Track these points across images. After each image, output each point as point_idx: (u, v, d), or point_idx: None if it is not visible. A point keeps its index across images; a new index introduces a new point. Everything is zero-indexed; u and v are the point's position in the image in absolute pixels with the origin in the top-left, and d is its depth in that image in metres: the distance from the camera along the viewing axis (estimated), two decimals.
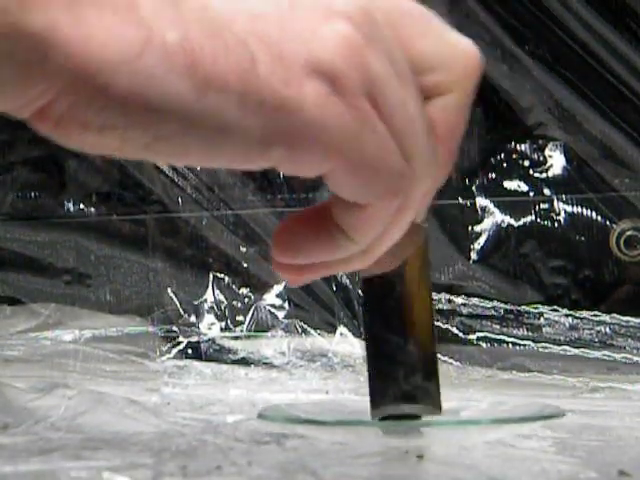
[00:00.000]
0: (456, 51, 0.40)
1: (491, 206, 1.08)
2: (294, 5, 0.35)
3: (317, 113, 0.34)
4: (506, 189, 1.08)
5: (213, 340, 1.05)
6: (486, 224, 1.08)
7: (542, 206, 1.07)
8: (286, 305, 1.08)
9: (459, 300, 1.06)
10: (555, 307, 1.05)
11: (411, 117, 0.37)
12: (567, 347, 1.02)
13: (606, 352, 1.00)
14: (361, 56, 0.35)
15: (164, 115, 0.33)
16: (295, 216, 0.41)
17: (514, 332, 1.04)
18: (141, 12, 0.32)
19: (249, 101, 0.34)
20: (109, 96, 0.32)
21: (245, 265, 1.10)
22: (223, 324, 1.07)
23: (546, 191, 1.07)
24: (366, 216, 0.38)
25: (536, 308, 1.05)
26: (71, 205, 1.17)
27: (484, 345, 1.04)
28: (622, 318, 1.02)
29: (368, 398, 0.55)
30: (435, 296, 1.07)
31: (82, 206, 1.17)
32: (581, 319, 1.03)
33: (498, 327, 1.04)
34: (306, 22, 0.35)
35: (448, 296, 1.07)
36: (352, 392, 0.84)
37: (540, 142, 1.08)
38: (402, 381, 0.53)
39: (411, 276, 0.56)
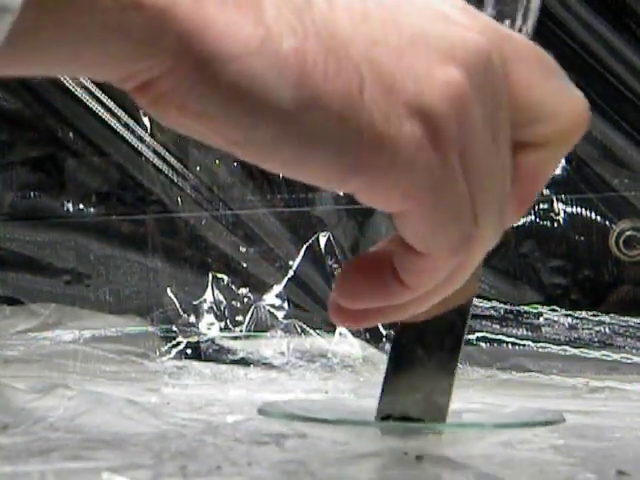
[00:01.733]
0: (567, 104, 0.39)
1: None
2: (416, 41, 0.34)
3: (409, 155, 0.34)
4: None
5: (212, 340, 1.05)
6: None
7: (542, 206, 1.07)
8: (286, 305, 1.08)
9: None
10: (554, 307, 1.05)
11: (493, 180, 0.37)
12: (567, 347, 1.02)
13: (606, 352, 1.00)
14: (465, 108, 0.35)
15: (260, 118, 0.33)
16: (355, 261, 0.41)
17: (514, 332, 1.04)
18: (264, 12, 0.32)
19: (347, 125, 0.33)
20: (213, 86, 0.32)
21: (244, 265, 1.10)
22: (222, 324, 1.07)
23: (546, 191, 1.07)
24: (426, 266, 0.38)
25: (535, 308, 1.05)
26: (71, 205, 1.17)
27: (483, 345, 1.04)
28: (622, 318, 1.02)
29: (367, 399, 0.56)
30: None
31: (82, 206, 1.17)
32: (580, 319, 1.03)
33: (498, 327, 1.04)
34: (422, 61, 0.34)
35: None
36: (352, 392, 0.84)
37: None
38: (412, 399, 0.54)
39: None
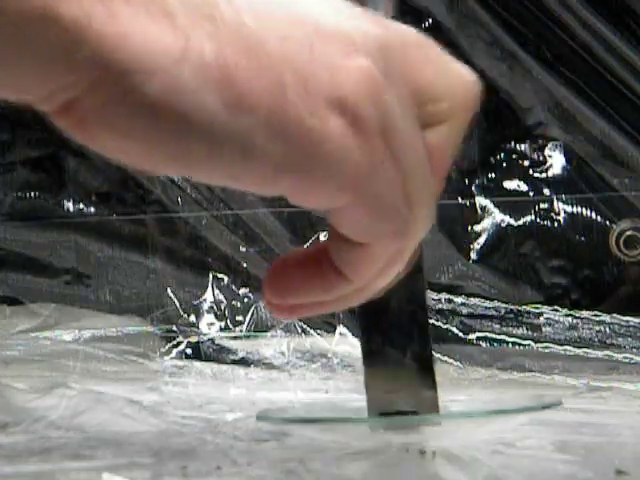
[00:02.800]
0: (456, 81, 0.40)
1: (491, 206, 1.08)
2: (320, 34, 0.34)
3: (336, 147, 0.34)
4: (506, 189, 1.08)
5: (213, 340, 1.05)
6: (486, 224, 1.08)
7: (542, 206, 1.07)
8: None
9: (459, 300, 1.06)
10: (555, 307, 1.05)
11: (418, 159, 0.37)
12: (567, 347, 1.02)
13: (606, 352, 1.00)
14: (379, 94, 0.35)
15: (191, 129, 0.32)
16: (286, 258, 0.41)
17: (514, 332, 1.04)
18: (177, 20, 0.31)
19: (275, 125, 0.33)
20: (138, 102, 0.31)
21: (245, 265, 1.10)
22: (223, 324, 1.07)
23: (546, 191, 1.07)
24: (365, 256, 0.38)
25: (536, 308, 1.05)
26: (71, 205, 1.17)
27: (484, 345, 1.04)
28: (622, 318, 1.02)
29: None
30: (435, 296, 1.07)
31: (82, 206, 1.17)
32: (581, 319, 1.03)
33: (498, 327, 1.04)
34: (330, 51, 0.34)
35: (448, 296, 1.07)
36: (352, 392, 0.84)
37: (540, 142, 1.08)
38: (401, 394, 0.54)
39: (405, 290, 0.56)
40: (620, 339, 1.02)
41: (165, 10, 0.31)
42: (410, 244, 0.38)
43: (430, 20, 1.08)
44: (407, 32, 0.39)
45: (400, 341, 0.55)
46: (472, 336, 1.04)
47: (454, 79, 0.39)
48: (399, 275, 0.40)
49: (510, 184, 1.08)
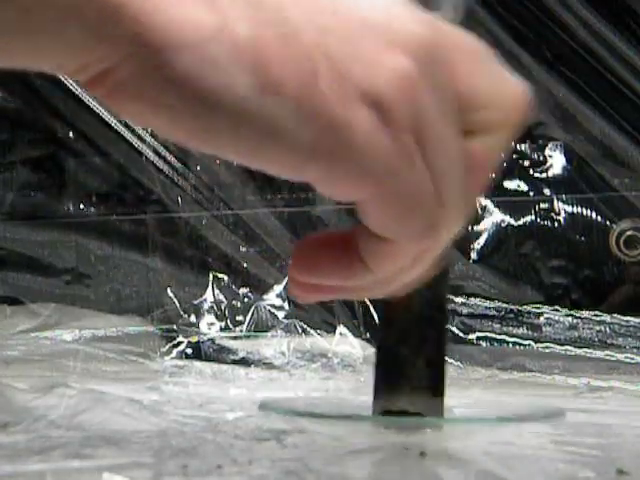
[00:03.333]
0: (506, 91, 0.39)
1: (491, 206, 1.08)
2: (364, 31, 0.35)
3: (364, 139, 0.34)
4: (506, 189, 1.08)
5: (213, 340, 1.05)
6: (486, 224, 1.08)
7: (542, 206, 1.07)
8: (286, 305, 1.08)
9: (459, 300, 1.06)
10: (555, 307, 1.05)
11: (452, 161, 0.37)
12: (567, 347, 1.01)
13: (607, 352, 1.00)
14: (414, 92, 0.35)
15: (219, 107, 0.33)
16: (318, 236, 0.41)
17: (514, 332, 1.04)
18: (219, 3, 0.32)
19: (304, 112, 0.33)
20: (168, 74, 0.32)
21: (245, 265, 1.10)
22: (223, 324, 1.07)
23: (546, 191, 1.07)
24: (390, 251, 0.38)
25: (536, 308, 1.05)
26: (71, 205, 1.17)
27: (484, 345, 1.04)
28: (622, 318, 1.02)
29: (367, 397, 0.56)
30: None
31: (82, 206, 1.17)
32: (581, 319, 1.03)
33: (498, 327, 1.04)
34: (371, 47, 0.35)
35: (448, 296, 1.07)
36: (352, 392, 0.84)
37: (540, 142, 1.08)
38: (407, 395, 0.54)
39: (428, 293, 0.56)
40: (620, 339, 1.02)
41: None
42: (437, 245, 0.38)
43: None
44: (460, 37, 0.39)
45: (415, 342, 0.55)
46: (472, 336, 1.04)
47: (504, 89, 0.39)
48: (425, 276, 0.40)
49: (510, 184, 1.08)
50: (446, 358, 0.57)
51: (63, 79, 1.10)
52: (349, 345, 1.03)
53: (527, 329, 1.04)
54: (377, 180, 0.35)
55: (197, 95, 0.32)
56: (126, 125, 1.11)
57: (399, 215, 0.36)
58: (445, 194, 0.37)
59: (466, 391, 0.83)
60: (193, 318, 1.08)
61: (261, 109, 0.33)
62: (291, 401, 0.59)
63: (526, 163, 1.08)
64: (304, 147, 0.34)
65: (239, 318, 1.07)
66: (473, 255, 1.08)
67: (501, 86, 0.39)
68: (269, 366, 0.99)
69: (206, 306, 1.08)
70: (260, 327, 1.07)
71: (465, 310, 1.06)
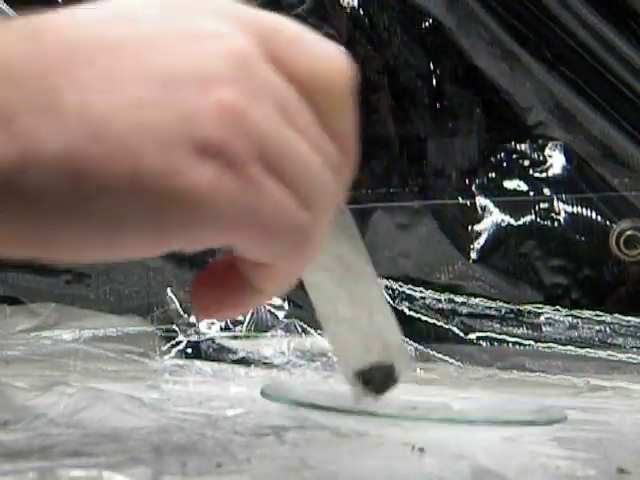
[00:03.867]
0: (330, 65, 0.38)
1: (491, 206, 1.08)
2: (171, 80, 0.34)
3: (209, 195, 0.34)
4: (506, 189, 1.08)
5: (213, 340, 1.05)
6: (486, 224, 1.08)
7: (542, 206, 1.07)
8: (286, 305, 1.08)
9: (459, 300, 1.06)
10: (556, 307, 1.05)
11: (305, 163, 0.36)
12: (567, 346, 1.01)
13: (607, 351, 1.00)
14: (244, 120, 0.34)
15: (59, 223, 0.32)
16: (207, 273, 0.40)
17: (514, 331, 1.04)
18: (17, 125, 0.31)
19: (140, 197, 0.33)
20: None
21: None
22: (223, 324, 1.07)
23: (546, 191, 1.07)
24: (272, 272, 0.38)
25: (536, 307, 1.05)
26: None
27: (484, 344, 1.04)
28: (622, 318, 1.02)
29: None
30: (435, 296, 1.07)
31: None
32: (581, 318, 1.03)
33: (498, 326, 1.04)
34: (184, 97, 0.34)
35: (448, 296, 1.07)
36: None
37: (540, 142, 1.08)
38: (365, 340, 0.52)
39: None
40: (620, 339, 1.02)
41: (6, 115, 0.32)
42: (316, 243, 0.38)
43: (430, 20, 1.09)
44: (286, 26, 0.38)
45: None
46: (472, 336, 1.04)
47: (326, 63, 0.38)
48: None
49: (510, 184, 1.08)
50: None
51: None
52: None
53: (527, 329, 1.04)
54: (235, 224, 0.35)
55: (33, 215, 0.32)
56: None
57: (268, 242, 0.36)
58: (310, 199, 0.36)
59: (466, 390, 0.83)
60: (193, 318, 1.08)
61: (100, 212, 0.33)
62: (292, 389, 0.59)
63: (526, 163, 1.08)
64: (153, 228, 0.34)
65: (239, 318, 1.07)
66: (473, 255, 1.08)
67: (323, 61, 0.38)
68: (269, 365, 0.99)
69: None
70: (260, 327, 1.07)
71: (465, 310, 1.06)
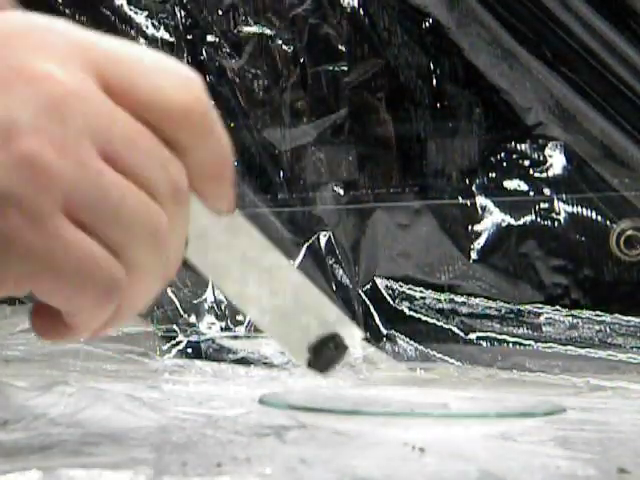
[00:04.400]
0: (176, 91, 0.38)
1: (491, 206, 1.08)
2: None
3: (8, 243, 0.34)
4: (506, 189, 1.08)
5: (213, 340, 1.05)
6: (486, 223, 1.08)
7: (542, 206, 1.07)
8: None
9: (459, 300, 1.06)
10: (556, 307, 1.05)
11: (123, 212, 0.36)
12: (567, 346, 1.01)
13: (607, 351, 1.00)
14: (47, 172, 0.34)
15: None
16: (36, 307, 0.40)
17: (514, 331, 1.04)
18: None
19: None
20: None
21: None
22: (223, 324, 1.07)
23: (546, 191, 1.07)
24: (78, 320, 0.38)
25: (536, 307, 1.05)
26: None
27: (484, 344, 1.04)
28: (622, 317, 1.02)
29: (367, 392, 0.55)
30: (435, 296, 1.07)
31: None
32: (581, 318, 1.03)
33: (498, 326, 1.04)
34: None
35: (448, 296, 1.07)
36: (352, 389, 0.84)
37: (540, 142, 1.08)
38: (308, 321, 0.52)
39: None
40: (620, 339, 1.02)
41: None
42: (137, 297, 0.38)
43: (430, 20, 1.09)
44: (115, 53, 0.37)
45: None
46: (472, 336, 1.04)
47: (173, 89, 0.38)
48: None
49: (510, 184, 1.08)
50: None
51: None
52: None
53: (527, 329, 1.04)
54: (35, 275, 0.35)
55: None
56: None
57: (65, 294, 0.36)
58: (128, 260, 0.36)
59: (466, 390, 0.83)
60: (193, 318, 1.08)
61: None
62: (291, 396, 0.59)
63: (526, 163, 1.08)
64: None
65: (239, 318, 1.07)
66: (473, 255, 1.08)
67: (170, 79, 0.38)
68: (269, 365, 0.99)
69: (206, 306, 1.08)
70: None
71: (465, 310, 1.06)
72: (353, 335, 0.49)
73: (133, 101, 0.36)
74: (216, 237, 0.45)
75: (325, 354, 0.48)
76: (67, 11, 1.12)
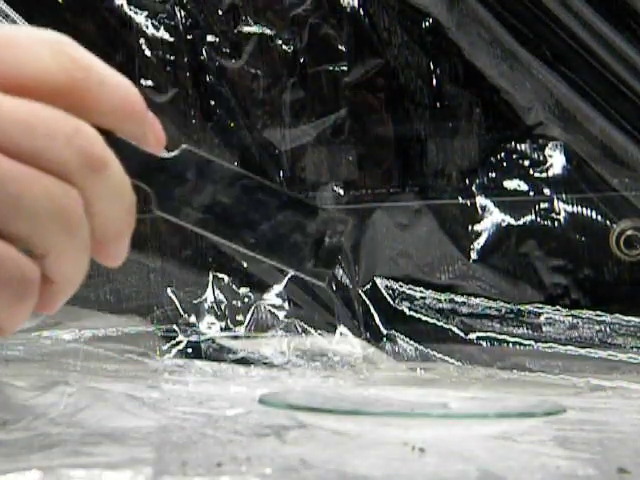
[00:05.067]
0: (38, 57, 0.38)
1: (491, 206, 1.08)
2: None
3: None
4: (506, 189, 1.08)
5: (213, 340, 1.05)
6: (486, 223, 1.08)
7: (542, 206, 1.07)
8: (286, 305, 1.08)
9: (459, 300, 1.06)
10: (556, 307, 1.05)
11: (30, 214, 0.36)
12: (568, 346, 1.01)
13: (607, 351, 1.00)
14: None
15: None
16: None
17: (514, 331, 1.04)
18: None
19: None
20: None
21: (245, 265, 1.10)
22: (223, 324, 1.07)
23: (546, 191, 1.07)
24: None
25: (536, 307, 1.05)
26: None
27: (484, 344, 1.04)
28: (622, 318, 1.02)
29: (368, 392, 0.55)
30: (435, 296, 1.07)
31: None
32: (581, 318, 1.03)
33: (498, 326, 1.04)
34: None
35: (448, 296, 1.07)
36: (352, 389, 0.84)
37: (540, 142, 1.08)
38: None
39: None
40: (620, 339, 1.01)
41: None
42: (62, 282, 0.39)
43: (430, 20, 1.09)
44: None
45: None
46: (472, 336, 1.04)
47: (49, 51, 0.37)
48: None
49: (510, 184, 1.08)
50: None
51: None
52: (349, 344, 1.03)
53: (527, 329, 1.04)
54: None
55: None
56: None
57: None
58: (39, 244, 0.37)
59: (466, 389, 0.83)
60: (193, 318, 1.08)
61: None
62: (291, 395, 0.59)
63: (526, 163, 1.08)
64: None
65: (239, 318, 1.07)
66: (473, 255, 1.08)
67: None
68: (269, 365, 0.99)
69: (206, 306, 1.08)
70: (260, 327, 1.07)
71: (465, 310, 1.06)
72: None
73: (18, 83, 0.36)
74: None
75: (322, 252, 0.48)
76: (67, 12, 1.12)
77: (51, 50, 0.38)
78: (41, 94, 0.37)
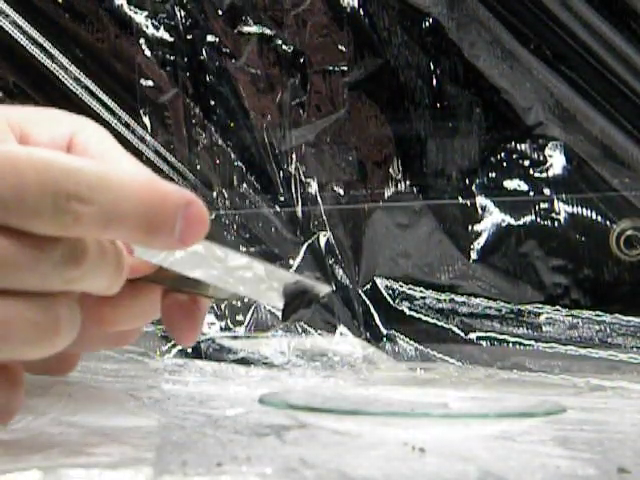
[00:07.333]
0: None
1: (491, 205, 1.08)
2: None
3: None
4: (506, 189, 1.08)
5: (213, 340, 1.05)
6: (486, 223, 1.08)
7: (542, 206, 1.07)
8: None
9: (459, 300, 1.06)
10: (556, 307, 1.05)
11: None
12: (568, 346, 1.01)
13: (607, 351, 1.00)
14: None
15: None
16: None
17: (514, 331, 1.04)
18: None
19: None
20: None
21: None
22: (223, 324, 1.07)
23: (546, 191, 1.07)
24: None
25: (536, 307, 1.05)
26: None
27: (484, 344, 1.04)
28: (623, 318, 1.02)
29: (368, 392, 0.55)
30: (435, 296, 1.07)
31: None
32: (581, 318, 1.03)
33: (498, 326, 1.04)
34: None
35: (448, 296, 1.07)
36: (352, 389, 0.84)
37: (540, 142, 1.08)
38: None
39: None
40: (620, 339, 1.01)
41: None
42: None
43: (430, 20, 1.09)
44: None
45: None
46: (472, 336, 1.04)
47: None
48: None
49: (510, 184, 1.08)
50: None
51: (63, 78, 1.10)
52: (349, 345, 1.03)
53: (527, 329, 1.04)
54: None
55: None
56: (126, 125, 1.11)
57: None
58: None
59: (466, 389, 0.83)
60: None
61: None
62: (291, 395, 0.59)
63: (526, 163, 1.08)
64: None
65: (239, 318, 1.07)
66: (473, 255, 1.08)
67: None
68: (269, 365, 0.99)
69: None
70: (260, 327, 1.07)
71: (465, 310, 1.06)
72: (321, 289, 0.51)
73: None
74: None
75: (296, 303, 0.50)
76: (67, 12, 1.12)
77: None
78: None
